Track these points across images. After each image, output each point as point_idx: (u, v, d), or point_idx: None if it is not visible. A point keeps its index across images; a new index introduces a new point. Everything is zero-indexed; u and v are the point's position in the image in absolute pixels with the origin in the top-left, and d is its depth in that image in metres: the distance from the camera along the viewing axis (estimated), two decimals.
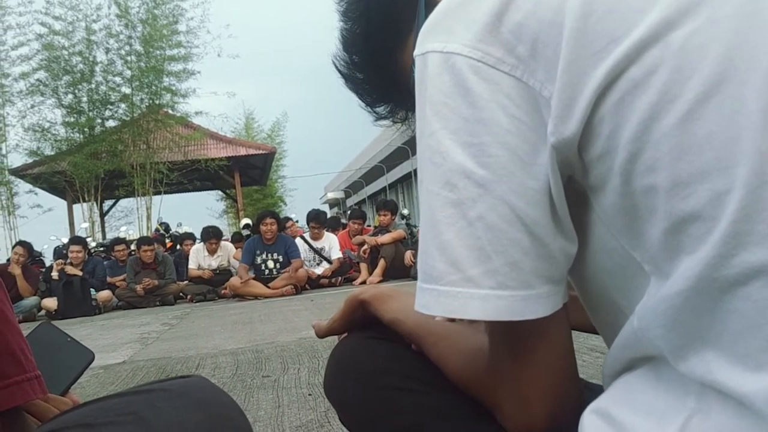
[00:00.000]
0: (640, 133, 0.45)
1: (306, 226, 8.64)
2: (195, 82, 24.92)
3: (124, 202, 19.59)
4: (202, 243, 8.54)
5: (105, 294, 7.77)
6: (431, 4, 0.58)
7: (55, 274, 7.61)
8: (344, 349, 0.78)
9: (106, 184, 15.78)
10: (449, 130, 0.50)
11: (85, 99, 15.73)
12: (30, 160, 15.68)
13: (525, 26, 0.48)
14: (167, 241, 11.02)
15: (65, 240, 9.79)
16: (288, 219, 9.73)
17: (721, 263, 0.42)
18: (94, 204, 16.09)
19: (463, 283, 0.49)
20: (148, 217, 16.23)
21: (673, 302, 0.45)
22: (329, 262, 7.82)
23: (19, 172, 15.57)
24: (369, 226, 9.94)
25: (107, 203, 18.97)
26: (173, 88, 16.25)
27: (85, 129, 15.71)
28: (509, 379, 0.54)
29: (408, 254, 7.28)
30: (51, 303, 7.45)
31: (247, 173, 20.81)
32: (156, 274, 7.99)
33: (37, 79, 15.18)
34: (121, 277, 8.15)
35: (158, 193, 16.53)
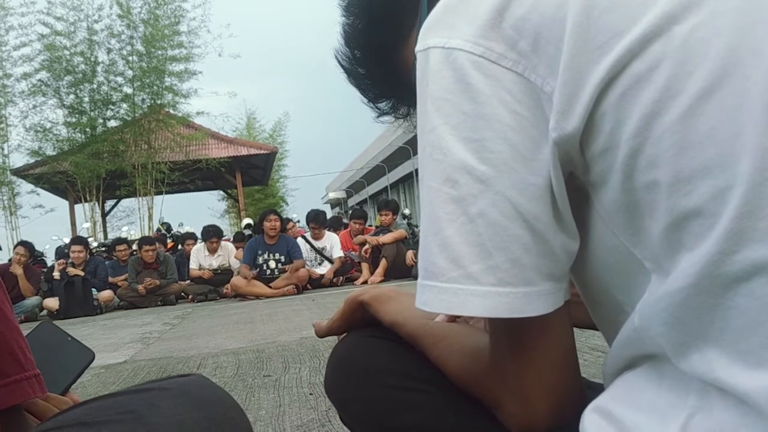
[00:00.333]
0: (642, 129, 0.44)
1: (307, 227, 8.64)
2: (196, 82, 24.96)
3: (125, 202, 19.66)
4: (202, 243, 8.54)
5: (106, 294, 7.77)
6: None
7: (56, 274, 7.62)
8: (345, 348, 0.78)
9: (107, 184, 15.79)
10: (450, 125, 0.50)
11: (86, 99, 15.76)
12: (32, 161, 15.70)
13: (527, 21, 0.48)
14: (169, 241, 11.03)
15: (67, 240, 9.80)
16: (289, 220, 9.73)
17: (723, 260, 0.42)
18: (96, 204, 16.10)
19: (464, 280, 0.49)
20: (150, 217, 16.26)
21: (674, 299, 0.44)
22: (331, 261, 7.82)
23: (21, 173, 15.59)
24: (370, 225, 9.94)
25: (109, 203, 18.99)
26: (175, 88, 16.30)
27: (87, 129, 15.72)
28: (510, 376, 0.53)
29: (409, 254, 7.28)
30: (52, 303, 7.46)
31: (248, 173, 20.82)
32: (157, 274, 8.00)
33: (39, 80, 15.22)
34: (123, 277, 8.16)
35: (160, 193, 16.55)
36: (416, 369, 0.67)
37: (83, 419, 0.54)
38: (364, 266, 7.62)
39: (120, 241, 9.47)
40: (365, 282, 7.26)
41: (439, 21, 0.52)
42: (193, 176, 16.91)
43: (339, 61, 0.75)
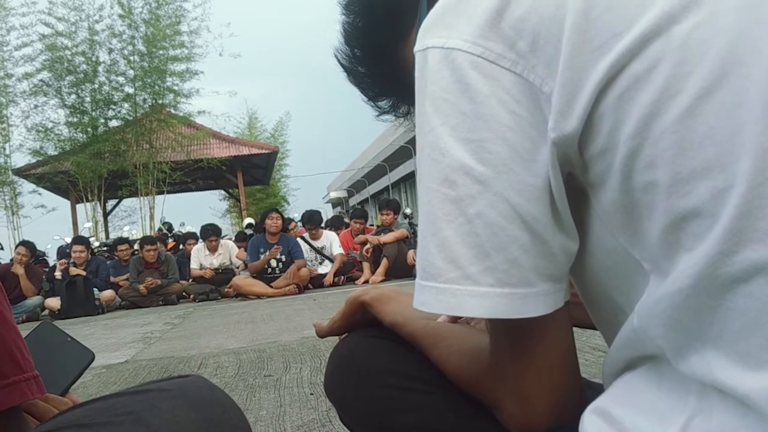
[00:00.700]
0: (641, 129, 0.44)
1: (304, 228, 8.64)
2: (197, 82, 24.99)
3: (127, 202, 19.68)
4: (203, 242, 8.56)
5: (108, 293, 7.78)
6: None
7: (58, 274, 7.63)
8: (345, 348, 0.78)
9: (109, 183, 15.81)
10: (449, 126, 0.50)
11: (88, 99, 15.77)
12: (33, 160, 15.72)
13: (526, 22, 0.48)
14: (170, 240, 11.04)
15: (68, 240, 9.82)
16: (291, 220, 9.74)
17: (722, 260, 0.42)
18: (98, 204, 16.12)
19: (462, 281, 0.49)
20: (151, 217, 16.27)
21: (673, 301, 0.44)
22: (331, 260, 7.82)
23: (23, 172, 15.62)
24: (371, 225, 9.94)
25: (110, 203, 19.01)
26: (176, 88, 16.31)
27: (89, 129, 15.74)
28: (510, 377, 0.53)
29: (411, 253, 7.28)
30: (54, 303, 7.47)
31: (249, 173, 20.84)
32: (159, 274, 8.01)
33: (41, 80, 15.24)
34: (124, 277, 8.18)
35: (161, 192, 16.56)
36: (416, 369, 0.67)
37: (82, 420, 0.55)
38: (366, 266, 7.62)
39: (121, 240, 9.48)
40: (366, 281, 7.27)
41: (438, 21, 0.52)
42: (195, 176, 16.92)
43: (339, 60, 0.75)
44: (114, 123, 16.33)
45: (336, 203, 45.41)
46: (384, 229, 7.92)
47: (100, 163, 15.29)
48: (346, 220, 10.64)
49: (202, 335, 4.02)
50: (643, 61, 0.44)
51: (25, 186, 15.92)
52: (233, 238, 10.49)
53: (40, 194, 16.02)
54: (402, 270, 7.28)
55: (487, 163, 0.48)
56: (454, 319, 0.71)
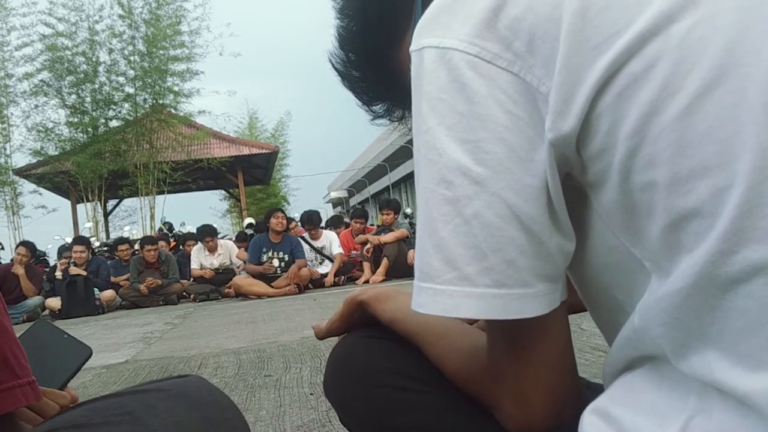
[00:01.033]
0: (640, 128, 0.44)
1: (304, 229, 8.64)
2: (198, 82, 24.99)
3: (127, 202, 19.71)
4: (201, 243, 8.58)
5: (108, 293, 7.79)
6: (428, 0, 0.57)
7: (58, 274, 7.63)
8: (344, 349, 0.78)
9: (109, 183, 15.82)
10: (445, 126, 0.50)
11: (88, 99, 15.79)
12: (34, 160, 15.74)
13: (522, 21, 0.48)
14: (171, 240, 11.05)
15: (69, 240, 9.82)
16: (292, 219, 9.75)
17: (722, 260, 0.41)
18: (98, 204, 16.14)
19: (459, 282, 0.49)
20: (152, 217, 16.28)
21: (673, 300, 0.44)
22: (331, 260, 7.82)
23: (23, 172, 15.63)
24: (372, 225, 9.94)
25: (111, 203, 19.04)
26: (176, 88, 16.32)
27: (89, 129, 15.75)
28: (509, 377, 0.53)
29: (411, 253, 7.28)
30: (54, 303, 7.48)
31: (250, 172, 20.85)
32: (159, 274, 8.02)
33: (41, 80, 15.26)
34: (125, 277, 8.18)
35: (161, 192, 16.57)
36: (415, 369, 0.67)
37: (79, 421, 0.54)
38: (366, 266, 7.62)
39: (122, 240, 9.49)
40: (367, 281, 7.27)
41: (434, 20, 0.52)
42: (195, 176, 16.93)
43: (333, 65, 0.75)
44: (114, 123, 16.36)
45: (336, 203, 45.43)
46: (384, 228, 7.92)
47: (101, 163, 15.30)
48: (346, 219, 10.65)
49: (202, 335, 4.02)
50: (642, 60, 0.44)
51: (26, 186, 15.96)
52: (233, 238, 10.50)
53: (40, 194, 16.06)
54: (402, 270, 7.28)
55: (484, 164, 0.48)
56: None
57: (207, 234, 8.36)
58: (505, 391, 0.54)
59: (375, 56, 0.71)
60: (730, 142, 0.41)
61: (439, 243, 0.50)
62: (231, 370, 2.60)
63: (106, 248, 10.64)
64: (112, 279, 8.17)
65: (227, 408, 0.63)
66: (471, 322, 0.75)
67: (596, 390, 0.56)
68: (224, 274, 8.01)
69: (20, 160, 16.59)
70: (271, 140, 26.75)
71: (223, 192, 25.77)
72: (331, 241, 7.95)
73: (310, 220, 8.06)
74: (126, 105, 16.27)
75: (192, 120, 16.80)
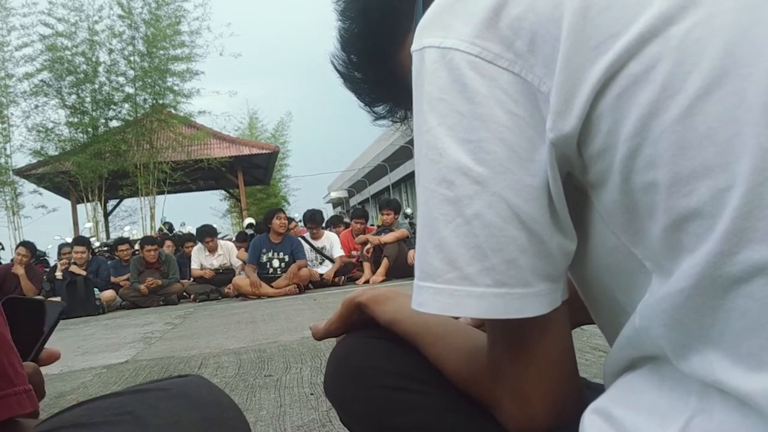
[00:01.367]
0: (640, 129, 0.44)
1: (305, 227, 8.65)
2: (198, 82, 24.99)
3: (127, 202, 19.70)
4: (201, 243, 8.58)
5: (109, 294, 7.79)
6: (429, 1, 0.58)
7: (59, 274, 7.63)
8: (344, 349, 0.78)
9: (109, 184, 15.81)
10: (446, 126, 0.50)
11: (88, 99, 15.78)
12: (34, 161, 15.74)
13: (523, 21, 0.48)
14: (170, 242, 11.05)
15: (69, 240, 9.82)
16: (291, 219, 9.75)
17: (723, 261, 0.41)
18: (98, 204, 16.13)
19: (460, 281, 0.49)
20: (152, 217, 16.28)
21: (674, 300, 0.44)
22: (331, 260, 7.82)
23: (24, 172, 15.63)
24: (372, 225, 9.94)
25: (111, 203, 19.03)
26: (176, 88, 16.31)
27: (89, 129, 15.75)
28: (509, 376, 0.53)
29: (411, 253, 7.27)
30: None
31: (250, 173, 20.84)
32: (159, 274, 8.02)
33: (41, 80, 15.26)
34: (125, 277, 8.18)
35: (162, 192, 16.56)
36: (415, 369, 0.67)
37: (80, 420, 0.54)
38: (366, 266, 7.62)
39: (122, 240, 9.49)
40: (367, 281, 7.26)
41: (435, 20, 0.52)
42: (195, 176, 16.92)
43: (335, 66, 0.75)
44: (114, 123, 16.35)
45: (336, 203, 45.42)
46: (384, 229, 7.92)
47: (101, 163, 15.30)
48: (346, 219, 10.64)
49: (202, 335, 4.02)
50: (642, 62, 0.44)
51: (26, 186, 15.96)
52: (234, 239, 10.49)
53: (40, 194, 16.06)
54: (402, 270, 7.28)
55: (485, 164, 0.48)
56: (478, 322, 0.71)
57: (207, 234, 8.36)
58: (506, 390, 0.54)
59: (377, 58, 0.71)
60: (730, 143, 0.41)
61: (439, 243, 0.50)
62: (231, 370, 2.60)
63: (106, 248, 10.64)
64: (113, 279, 8.17)
65: (228, 407, 0.63)
66: (478, 324, 0.75)
67: (597, 390, 0.56)
68: (224, 274, 8.01)
69: (20, 160, 16.63)
70: (272, 140, 26.74)
71: (223, 192, 25.76)
72: (332, 242, 7.94)
73: (313, 218, 8.06)
74: (126, 105, 16.27)
75: (192, 120, 16.79)
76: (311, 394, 2.01)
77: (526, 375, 0.52)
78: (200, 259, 8.26)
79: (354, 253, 8.17)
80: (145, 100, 16.24)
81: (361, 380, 0.71)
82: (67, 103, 15.62)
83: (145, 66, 15.86)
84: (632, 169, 0.45)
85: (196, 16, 20.66)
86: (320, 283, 7.54)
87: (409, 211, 8.98)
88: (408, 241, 7.62)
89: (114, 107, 16.23)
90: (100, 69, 15.76)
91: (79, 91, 15.68)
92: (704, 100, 0.42)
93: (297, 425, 1.67)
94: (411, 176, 32.31)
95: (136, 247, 9.05)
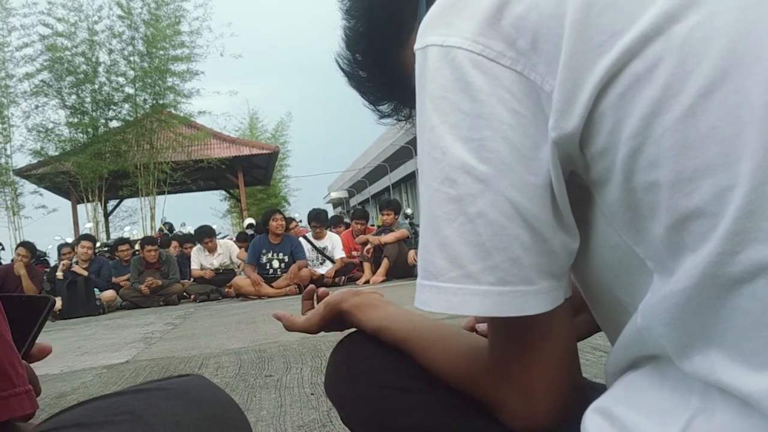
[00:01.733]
0: (642, 129, 0.44)
1: (309, 226, 8.65)
2: (198, 82, 25.00)
3: (128, 202, 19.71)
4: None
5: (109, 294, 7.80)
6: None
7: (60, 274, 7.64)
8: (344, 349, 0.78)
9: (110, 184, 15.81)
10: (449, 124, 0.50)
11: (88, 99, 15.77)
12: (34, 161, 15.74)
13: (526, 19, 0.48)
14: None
15: (69, 240, 9.83)
16: (292, 219, 9.75)
17: (725, 260, 0.41)
18: (98, 204, 16.13)
19: (464, 280, 0.49)
20: (152, 217, 16.28)
21: (676, 300, 0.44)
22: (332, 261, 7.82)
23: (24, 173, 15.63)
24: (372, 225, 9.94)
25: (111, 203, 19.04)
26: (176, 88, 16.30)
27: (89, 129, 15.74)
28: (514, 373, 0.53)
29: (411, 253, 7.28)
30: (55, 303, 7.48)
31: (250, 173, 20.83)
32: (159, 274, 8.02)
33: (41, 80, 15.26)
34: (125, 277, 8.19)
35: (162, 193, 16.56)
36: (415, 369, 0.67)
37: (81, 420, 0.54)
38: (366, 266, 7.62)
39: (122, 241, 9.50)
40: (367, 281, 7.27)
41: (438, 19, 0.52)
42: (195, 176, 16.92)
43: (340, 65, 0.75)
44: (114, 123, 16.35)
45: (337, 203, 45.42)
46: (385, 229, 7.92)
47: (101, 163, 15.29)
48: (347, 220, 10.64)
49: (202, 335, 4.02)
50: (644, 60, 0.44)
51: (27, 186, 15.96)
52: (234, 239, 10.49)
53: (41, 195, 16.05)
54: (403, 270, 7.28)
55: (488, 162, 0.48)
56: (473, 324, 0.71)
57: (205, 235, 8.37)
58: (511, 388, 0.54)
59: (381, 56, 0.71)
60: (732, 143, 0.41)
61: (443, 241, 0.50)
62: (232, 371, 2.60)
63: (106, 248, 10.64)
64: (113, 279, 8.17)
65: (229, 407, 0.63)
66: (469, 327, 0.75)
67: (598, 390, 0.56)
68: (224, 274, 8.02)
69: (21, 160, 16.64)
70: (272, 140, 26.73)
71: (223, 192, 25.76)
72: (334, 243, 7.94)
73: (318, 218, 8.06)
74: (126, 105, 16.27)
75: (192, 120, 16.78)
76: (312, 394, 2.01)
77: (531, 371, 0.53)
78: (200, 259, 8.26)
79: (354, 253, 8.17)
80: (145, 100, 16.24)
81: (361, 380, 0.71)
82: (67, 103, 15.63)
83: (145, 66, 15.85)
84: (634, 169, 0.45)
85: (196, 16, 20.68)
86: (321, 283, 7.53)
87: (409, 211, 8.98)
88: (408, 242, 7.61)
89: (114, 107, 16.23)
90: (100, 69, 15.76)
91: (79, 92, 15.67)
92: (707, 99, 0.42)
93: (297, 425, 1.67)
94: (411, 176, 32.35)
95: (137, 247, 9.06)
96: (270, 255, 7.32)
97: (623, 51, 0.44)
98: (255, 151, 18.70)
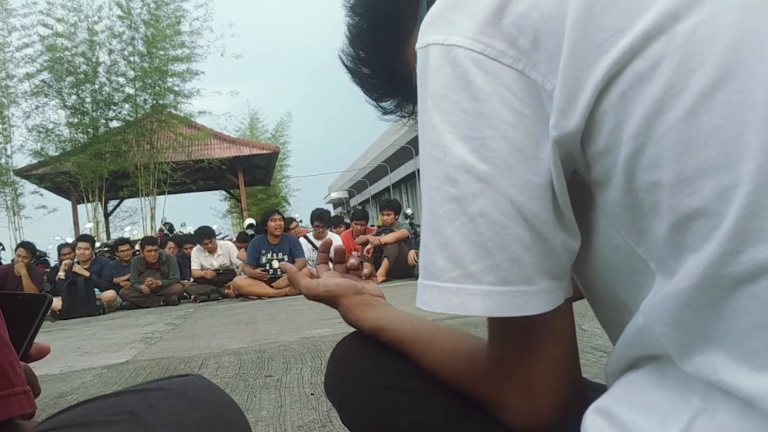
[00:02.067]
0: (644, 128, 0.44)
1: (310, 226, 8.66)
2: (198, 82, 24.99)
3: (128, 203, 19.68)
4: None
5: (109, 294, 7.80)
6: None
7: (61, 274, 7.64)
8: (344, 349, 0.78)
9: (110, 184, 15.80)
10: (450, 123, 0.49)
11: (88, 100, 15.76)
12: (34, 161, 15.73)
13: (527, 18, 0.48)
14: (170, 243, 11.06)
15: (70, 240, 9.83)
16: (292, 219, 9.75)
17: (727, 260, 0.41)
18: (99, 204, 16.12)
19: (464, 280, 0.49)
20: (152, 217, 16.27)
21: (677, 300, 0.44)
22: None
23: (24, 173, 15.63)
24: (372, 225, 9.94)
25: (111, 203, 19.02)
26: (177, 88, 16.30)
27: (89, 129, 15.73)
28: (516, 372, 0.53)
29: (411, 254, 7.28)
30: (55, 303, 7.47)
31: (250, 173, 20.83)
32: (160, 274, 8.02)
33: (42, 80, 15.25)
34: (125, 277, 8.19)
35: (162, 193, 16.55)
36: (415, 369, 0.67)
37: (81, 420, 0.54)
38: (366, 266, 7.60)
39: (122, 241, 9.50)
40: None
41: (439, 17, 0.52)
42: (196, 176, 16.91)
43: (343, 62, 0.75)
44: (115, 123, 16.33)
45: (337, 204, 45.41)
46: (385, 229, 7.92)
47: (101, 163, 15.29)
48: (347, 220, 10.65)
49: (202, 335, 4.02)
50: (646, 60, 0.44)
51: (27, 186, 15.96)
52: (234, 239, 10.50)
53: (41, 195, 16.04)
54: (403, 270, 7.28)
55: (489, 161, 0.48)
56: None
57: (204, 236, 8.37)
58: (511, 388, 0.54)
59: (384, 53, 0.71)
60: (735, 142, 0.41)
61: (443, 241, 0.50)
62: (232, 371, 2.60)
63: (106, 248, 10.64)
64: (113, 279, 8.17)
65: (228, 407, 0.63)
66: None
67: (598, 390, 0.56)
68: (224, 274, 8.02)
69: (21, 160, 16.59)
70: (272, 140, 26.73)
71: (223, 192, 25.76)
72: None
73: (321, 217, 8.09)
74: (126, 105, 16.25)
75: (192, 120, 16.77)
76: (311, 394, 2.01)
77: (532, 371, 0.53)
78: (200, 259, 8.26)
79: (354, 253, 8.16)
80: (145, 100, 16.23)
81: (361, 380, 0.71)
82: (67, 103, 15.62)
83: (145, 66, 15.85)
84: (636, 168, 0.45)
85: (196, 16, 20.67)
86: None
87: (409, 211, 8.98)
88: (408, 242, 7.62)
89: (114, 108, 16.21)
90: (100, 69, 15.75)
91: (79, 92, 15.66)
92: (709, 99, 0.42)
93: (297, 425, 1.67)
94: (411, 177, 32.35)
95: (137, 247, 9.06)
96: (269, 255, 7.32)
97: (625, 50, 0.44)
98: (255, 152, 18.69)
